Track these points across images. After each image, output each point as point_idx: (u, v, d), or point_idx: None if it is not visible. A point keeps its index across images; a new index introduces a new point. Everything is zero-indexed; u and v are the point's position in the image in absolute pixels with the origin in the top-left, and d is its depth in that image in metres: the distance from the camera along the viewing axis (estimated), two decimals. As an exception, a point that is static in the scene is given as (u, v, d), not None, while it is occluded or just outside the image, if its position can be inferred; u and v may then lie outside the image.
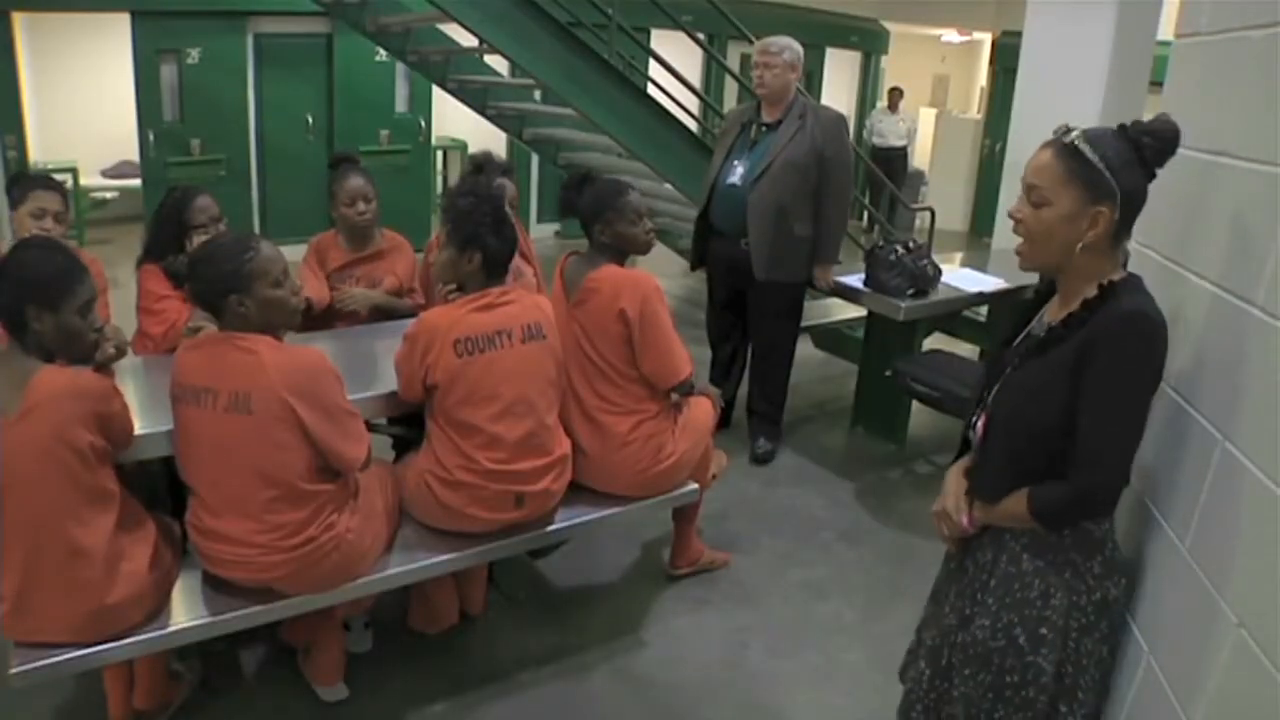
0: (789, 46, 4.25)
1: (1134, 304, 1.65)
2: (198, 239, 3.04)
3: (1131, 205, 1.66)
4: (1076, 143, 1.65)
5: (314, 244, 3.67)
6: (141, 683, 2.64)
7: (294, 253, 3.37)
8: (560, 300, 3.05)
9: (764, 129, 4.32)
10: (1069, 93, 5.25)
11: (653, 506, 3.23)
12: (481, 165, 3.84)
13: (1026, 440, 1.76)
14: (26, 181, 3.21)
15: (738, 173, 4.30)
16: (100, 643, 2.28)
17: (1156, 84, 2.75)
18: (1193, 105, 1.89)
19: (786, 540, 3.94)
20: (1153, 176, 1.67)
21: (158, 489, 2.79)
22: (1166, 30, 4.85)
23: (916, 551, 3.90)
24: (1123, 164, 1.63)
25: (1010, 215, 1.75)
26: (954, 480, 1.97)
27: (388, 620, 3.14)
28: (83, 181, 8.45)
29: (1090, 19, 5.22)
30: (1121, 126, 1.66)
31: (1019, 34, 5.86)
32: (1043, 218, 1.69)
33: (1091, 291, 1.70)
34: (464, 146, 9.80)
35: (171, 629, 2.39)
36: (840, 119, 4.38)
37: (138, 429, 2.41)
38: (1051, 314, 1.83)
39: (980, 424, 1.88)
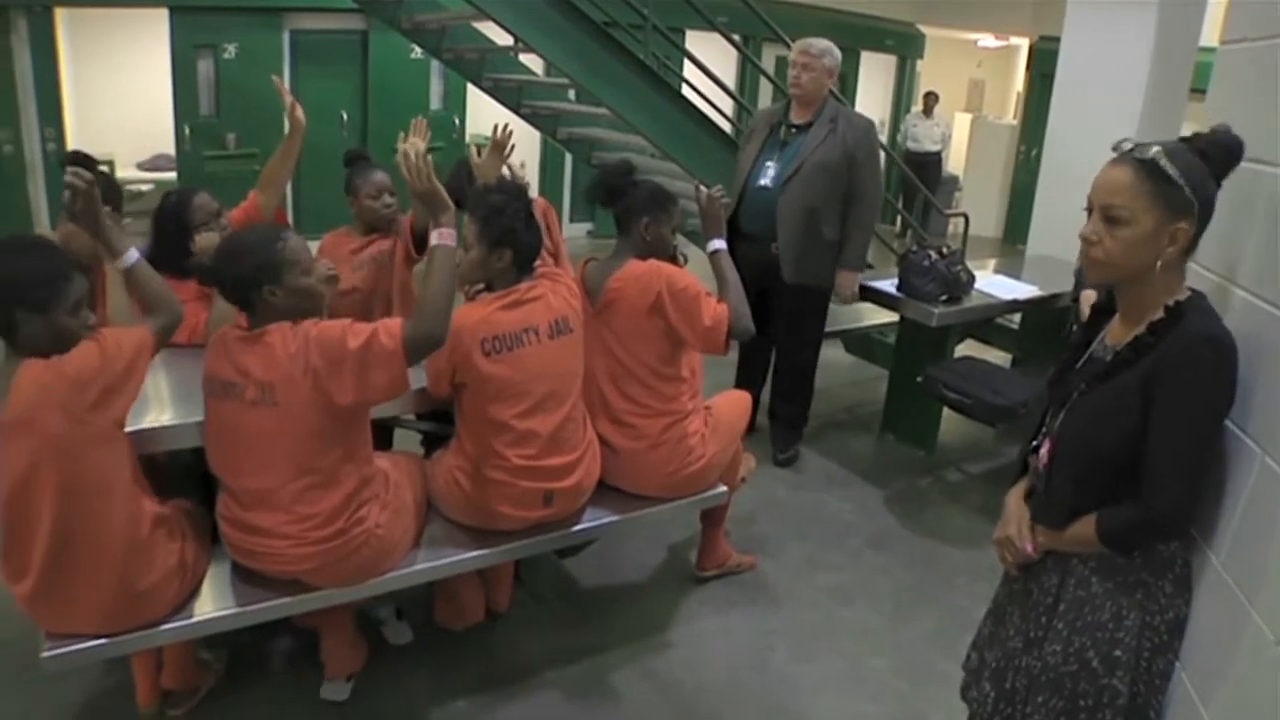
0: (829, 51, 4.22)
1: (1202, 328, 1.61)
2: (201, 237, 3.03)
3: (1204, 219, 1.62)
4: (1159, 160, 1.59)
5: (322, 247, 3.53)
6: (170, 666, 2.68)
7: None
8: (584, 306, 3.01)
9: (794, 130, 4.29)
10: (1107, 99, 5.19)
11: (681, 508, 3.22)
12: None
13: (1093, 465, 1.73)
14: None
15: (769, 174, 4.26)
16: (129, 631, 2.30)
17: (1197, 91, 2.71)
18: (1236, 113, 1.86)
19: (814, 544, 3.93)
20: (1219, 187, 1.62)
21: (189, 479, 2.80)
22: (1210, 36, 4.81)
23: (944, 559, 3.88)
24: (1200, 178, 1.59)
25: (1083, 238, 1.68)
26: (1014, 506, 1.94)
27: (414, 615, 3.15)
28: (119, 174, 8.52)
29: (1131, 24, 5.16)
30: (1186, 140, 1.63)
31: (1057, 39, 5.80)
32: (1123, 238, 1.63)
33: (1158, 313, 1.66)
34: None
35: (199, 618, 2.41)
36: (871, 125, 4.35)
37: (166, 420, 2.43)
38: (1114, 336, 1.79)
39: (1045, 450, 1.85)
